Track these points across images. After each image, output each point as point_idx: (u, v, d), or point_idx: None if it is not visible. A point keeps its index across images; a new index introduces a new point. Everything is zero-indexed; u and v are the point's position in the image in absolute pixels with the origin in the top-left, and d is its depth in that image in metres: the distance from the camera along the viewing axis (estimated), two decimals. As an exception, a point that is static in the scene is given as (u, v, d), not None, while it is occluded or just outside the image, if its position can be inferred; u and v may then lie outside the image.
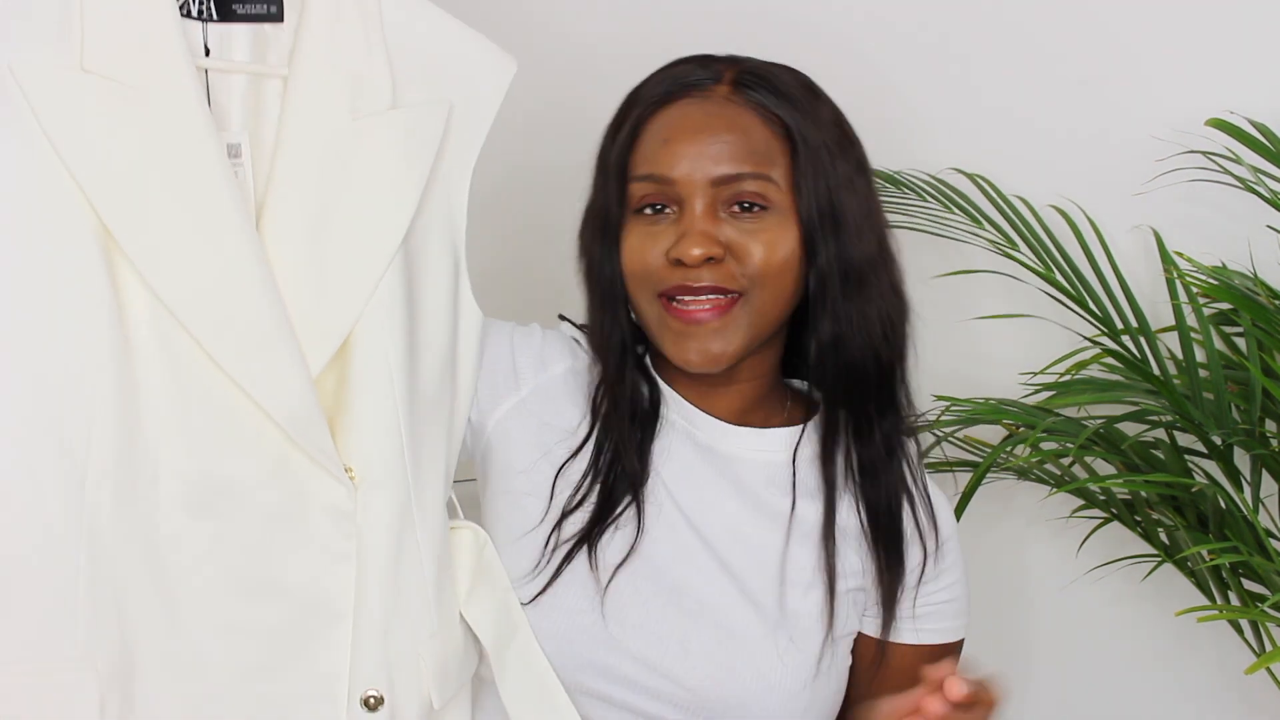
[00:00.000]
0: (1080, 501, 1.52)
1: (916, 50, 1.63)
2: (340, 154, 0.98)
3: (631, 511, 1.07)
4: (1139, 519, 1.47)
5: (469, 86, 1.06)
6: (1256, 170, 1.43)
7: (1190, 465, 1.45)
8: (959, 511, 1.27)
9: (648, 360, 1.13)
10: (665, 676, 1.03)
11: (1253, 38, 1.52)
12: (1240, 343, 1.47)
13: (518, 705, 1.06)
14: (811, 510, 1.08)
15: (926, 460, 1.18)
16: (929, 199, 1.54)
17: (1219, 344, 1.46)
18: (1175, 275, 1.43)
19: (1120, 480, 1.39)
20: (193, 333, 0.91)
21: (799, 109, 1.04)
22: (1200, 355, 1.41)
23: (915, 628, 1.11)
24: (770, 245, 1.02)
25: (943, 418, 1.48)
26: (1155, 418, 1.42)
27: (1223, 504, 1.34)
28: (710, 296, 1.02)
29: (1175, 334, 1.42)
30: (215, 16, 0.99)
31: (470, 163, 1.07)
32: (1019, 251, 1.51)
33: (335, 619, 0.97)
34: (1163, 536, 1.47)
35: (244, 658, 0.95)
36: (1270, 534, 1.33)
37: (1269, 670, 1.42)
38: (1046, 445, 1.41)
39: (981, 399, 1.50)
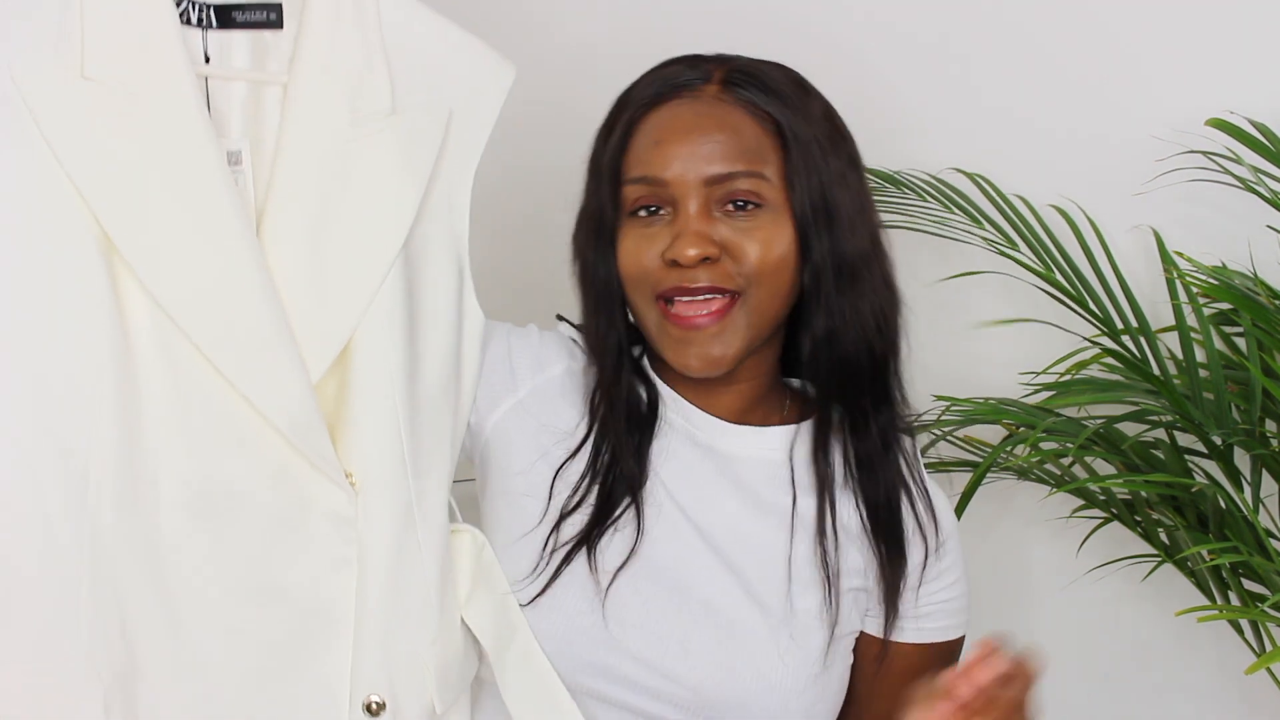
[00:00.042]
0: (1080, 501, 1.52)
1: (916, 50, 1.63)
2: (340, 160, 0.98)
3: (631, 513, 1.07)
4: (1139, 519, 1.47)
5: (469, 92, 1.07)
6: (1256, 170, 1.43)
7: (1190, 465, 1.45)
8: (959, 511, 1.27)
9: (646, 361, 1.13)
10: (665, 676, 1.03)
11: (1253, 38, 1.52)
12: (1240, 343, 1.47)
13: (520, 706, 1.06)
14: (812, 507, 1.08)
15: (926, 460, 1.18)
16: (929, 199, 1.54)
17: (1219, 344, 1.46)
18: (1175, 275, 1.43)
19: (1120, 480, 1.39)
20: (193, 339, 0.91)
21: (789, 105, 1.04)
22: (1200, 355, 1.41)
23: (918, 626, 1.10)
24: (766, 243, 1.02)
25: (943, 418, 1.48)
26: (1155, 418, 1.42)
27: (1223, 504, 1.34)
28: (707, 297, 1.02)
29: (1175, 334, 1.42)
30: (215, 24, 0.99)
31: (471, 168, 1.07)
32: (1019, 251, 1.51)
33: (336, 624, 0.97)
34: (1163, 536, 1.47)
35: (246, 663, 0.95)
36: (1270, 534, 1.33)
37: (1269, 670, 1.42)
38: (1046, 445, 1.41)
39: (981, 399, 1.50)
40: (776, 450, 1.10)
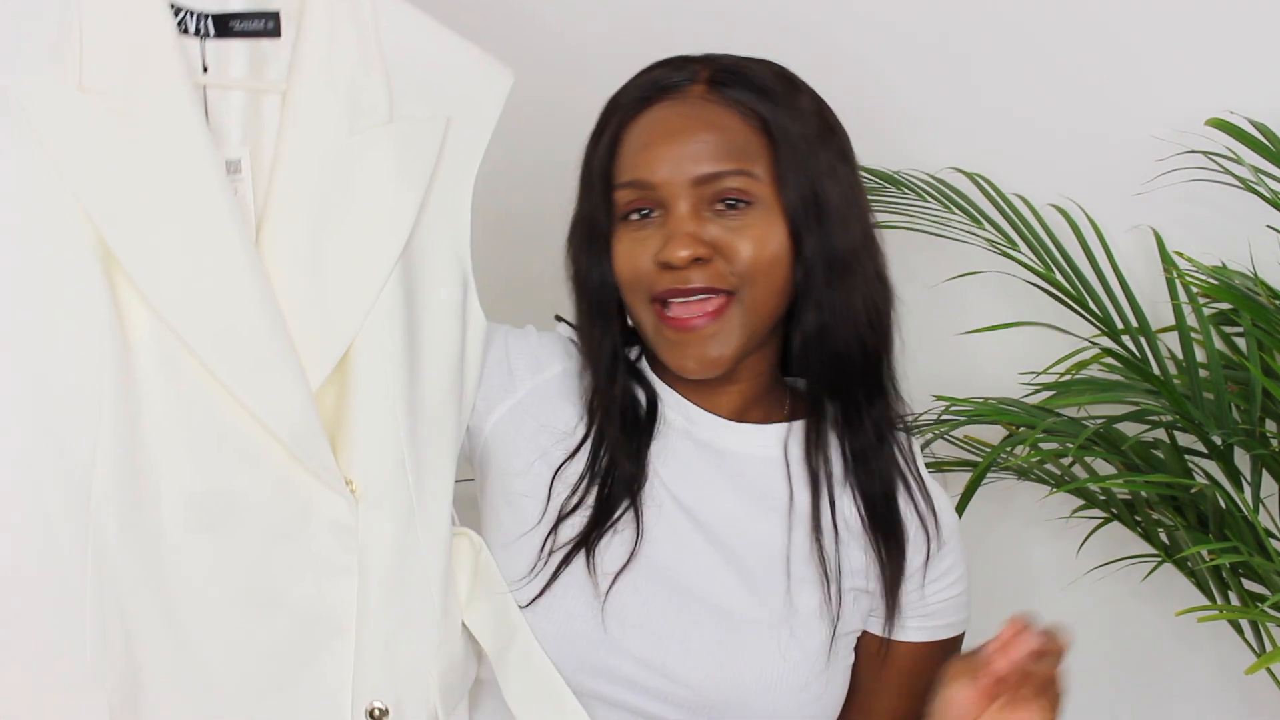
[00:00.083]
0: (1080, 501, 1.52)
1: (916, 50, 1.63)
2: (338, 168, 0.98)
3: (630, 516, 1.07)
4: (1139, 519, 1.47)
5: (467, 99, 1.07)
6: (1257, 170, 1.43)
7: (1190, 465, 1.45)
8: (959, 511, 1.27)
9: (645, 362, 1.13)
10: (666, 676, 1.03)
11: (1253, 38, 1.52)
12: (1240, 343, 1.47)
13: (523, 706, 1.06)
14: (808, 503, 1.08)
15: (926, 461, 1.18)
16: (928, 199, 1.54)
17: (1219, 344, 1.46)
18: (1175, 275, 1.43)
19: (1120, 480, 1.39)
20: (193, 349, 0.91)
21: (776, 101, 1.04)
22: (1200, 355, 1.41)
23: (921, 625, 1.11)
24: (758, 241, 1.02)
25: (943, 418, 1.48)
26: (1155, 418, 1.42)
27: (1223, 504, 1.34)
28: (702, 298, 1.02)
29: (1175, 334, 1.42)
30: (213, 33, 0.99)
31: (471, 174, 1.07)
32: (1019, 251, 1.51)
33: (338, 632, 0.98)
34: (1163, 536, 1.47)
35: (248, 671, 0.95)
36: (1270, 534, 1.33)
37: (1269, 670, 1.42)
38: (1046, 445, 1.41)
39: (981, 399, 1.50)
40: (774, 447, 1.10)
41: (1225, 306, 1.47)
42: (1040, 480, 1.51)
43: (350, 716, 0.98)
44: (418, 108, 1.03)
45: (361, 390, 0.98)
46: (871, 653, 1.11)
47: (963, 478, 1.45)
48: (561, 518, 1.07)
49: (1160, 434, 1.45)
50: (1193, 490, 1.37)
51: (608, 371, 1.10)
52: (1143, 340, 1.46)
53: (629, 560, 1.05)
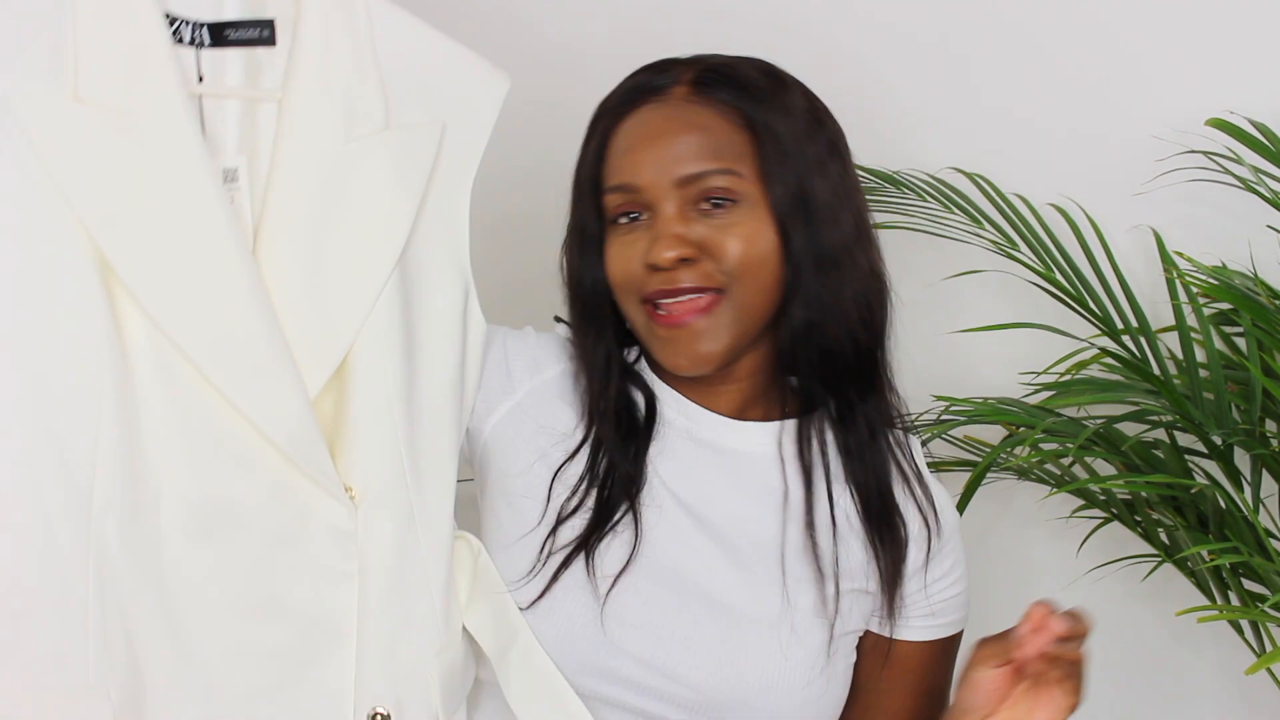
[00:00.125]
0: (1080, 502, 1.52)
1: (916, 50, 1.63)
2: (334, 176, 0.98)
3: (629, 519, 1.07)
4: (1139, 519, 1.47)
5: (463, 104, 1.07)
6: (1257, 170, 1.43)
7: (1190, 465, 1.45)
8: (958, 511, 1.27)
9: (643, 363, 1.13)
10: (668, 677, 1.03)
11: (1253, 38, 1.52)
12: (1240, 343, 1.47)
13: (525, 707, 1.06)
14: (802, 500, 1.08)
15: (926, 461, 1.18)
16: (929, 199, 1.54)
17: (1219, 344, 1.46)
18: (1175, 275, 1.43)
19: (1120, 481, 1.39)
20: (190, 358, 0.92)
21: (760, 99, 1.04)
22: (1200, 355, 1.41)
23: (924, 625, 1.11)
24: (746, 239, 1.02)
25: (943, 418, 1.48)
26: (1155, 418, 1.41)
27: (1223, 504, 1.34)
28: (690, 297, 1.02)
29: (1175, 334, 1.42)
30: (208, 42, 0.99)
31: (468, 179, 1.07)
32: (1019, 251, 1.51)
33: (339, 637, 0.98)
34: (1163, 537, 1.47)
35: (250, 677, 0.96)
36: (1270, 534, 1.33)
37: (1269, 670, 1.42)
38: (1046, 445, 1.41)
39: (981, 399, 1.50)
40: (771, 444, 1.10)
41: (1225, 306, 1.47)
42: (1040, 480, 1.51)
43: None
44: (414, 114, 1.03)
45: (360, 396, 0.99)
46: (874, 652, 1.11)
47: (963, 478, 1.45)
48: (561, 520, 1.07)
49: (1160, 434, 1.45)
50: (1193, 490, 1.37)
51: (602, 375, 1.10)
52: (1143, 340, 1.46)
53: (629, 562, 1.05)
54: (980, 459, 1.50)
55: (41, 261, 0.89)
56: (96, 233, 0.89)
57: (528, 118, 1.42)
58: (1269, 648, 1.45)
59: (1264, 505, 1.44)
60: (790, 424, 1.10)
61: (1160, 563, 1.46)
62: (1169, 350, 1.48)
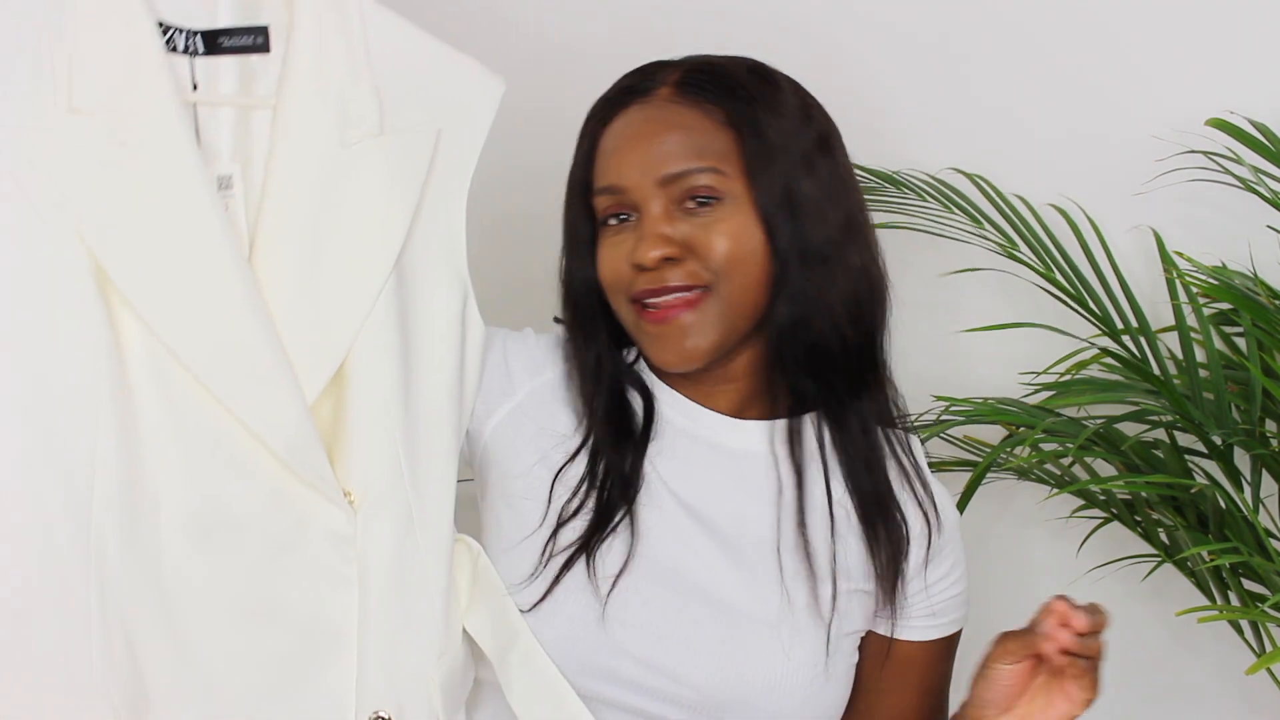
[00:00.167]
0: (1080, 501, 1.52)
1: (916, 50, 1.63)
2: (330, 182, 0.98)
3: (629, 520, 1.07)
4: (1139, 519, 1.47)
5: (458, 108, 1.07)
6: (1257, 170, 1.43)
7: (1190, 465, 1.45)
8: (958, 511, 1.27)
9: (642, 363, 1.13)
10: (670, 677, 1.03)
11: (1253, 38, 1.52)
12: (1240, 343, 1.47)
13: (527, 709, 1.06)
14: (796, 499, 1.08)
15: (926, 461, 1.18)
16: (929, 199, 1.54)
17: (1219, 344, 1.46)
18: (1175, 275, 1.43)
19: (1121, 482, 1.39)
20: (188, 366, 0.92)
21: (745, 97, 1.04)
22: (1200, 355, 1.41)
23: (926, 624, 1.11)
24: (731, 236, 1.02)
25: (943, 418, 1.48)
26: (1155, 418, 1.41)
27: (1223, 504, 1.34)
28: (677, 295, 1.02)
29: (1175, 334, 1.42)
30: (202, 50, 0.99)
31: (464, 184, 1.07)
32: (1019, 251, 1.51)
33: (339, 642, 0.98)
34: (1163, 537, 1.47)
35: (251, 682, 0.96)
36: (1270, 534, 1.33)
37: (1269, 670, 1.42)
38: (1046, 445, 1.41)
39: (981, 399, 1.50)
40: (767, 442, 1.10)
41: (1225, 306, 1.47)
42: (1040, 480, 1.51)
43: None
44: (409, 118, 1.03)
45: (358, 401, 0.99)
46: (874, 651, 1.11)
47: (963, 478, 1.45)
48: (562, 522, 1.07)
49: (1160, 434, 1.45)
50: (1193, 490, 1.37)
51: (593, 377, 1.10)
52: (1143, 340, 1.46)
53: (628, 563, 1.05)
54: (980, 459, 1.50)
55: (38, 269, 0.89)
56: (92, 241, 0.89)
57: (528, 118, 1.42)
58: (1269, 648, 1.45)
59: (1264, 505, 1.44)
60: (782, 423, 1.10)
61: (1160, 563, 1.46)
62: (1169, 350, 1.48)
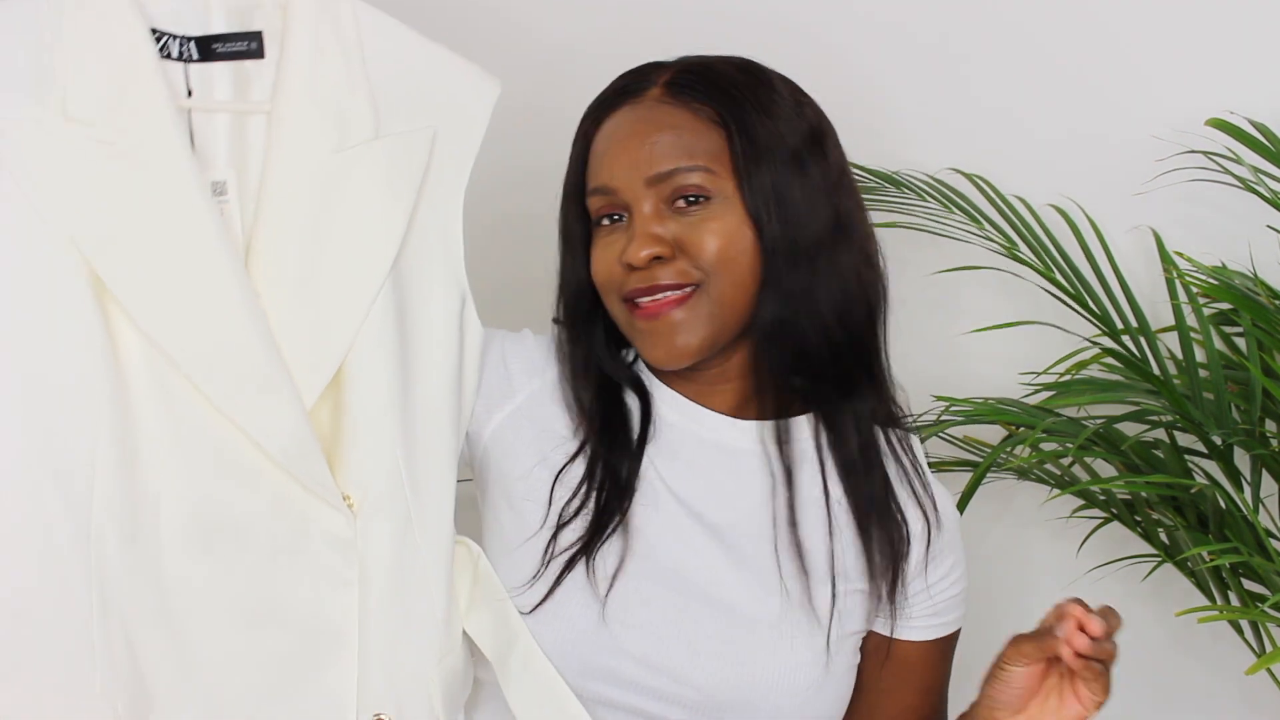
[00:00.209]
0: (1080, 501, 1.52)
1: (916, 50, 1.63)
2: (325, 187, 0.98)
3: (629, 520, 1.07)
4: (1139, 519, 1.47)
5: (454, 111, 1.07)
6: (1256, 170, 1.43)
7: (1190, 465, 1.45)
8: (959, 510, 1.27)
9: (641, 364, 1.13)
10: (671, 678, 1.03)
11: (1253, 38, 1.52)
12: (1240, 343, 1.47)
13: (527, 711, 1.06)
14: (808, 497, 1.08)
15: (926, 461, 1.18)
16: (929, 199, 1.54)
17: (1219, 344, 1.46)
18: (1175, 275, 1.43)
19: (1121, 482, 1.39)
20: (185, 372, 0.92)
21: (735, 96, 1.04)
22: (1200, 355, 1.41)
23: (928, 624, 1.11)
24: (720, 234, 1.02)
25: (942, 418, 1.48)
26: (1155, 418, 1.41)
27: (1223, 504, 1.34)
28: (667, 294, 1.03)
29: (1175, 334, 1.42)
30: (196, 56, 0.98)
31: (460, 186, 1.07)
32: (1019, 251, 1.51)
33: (340, 645, 0.98)
34: (1163, 537, 1.47)
35: (252, 685, 0.96)
36: (1270, 534, 1.33)
37: (1269, 670, 1.42)
38: (1046, 445, 1.41)
39: (981, 399, 1.50)
40: (757, 442, 1.10)
41: (1225, 306, 1.47)
42: (1040, 480, 1.51)
43: None
44: (404, 122, 1.03)
45: (356, 406, 0.99)
46: (875, 651, 1.11)
47: (963, 478, 1.45)
48: (562, 524, 1.07)
49: (1160, 434, 1.45)
50: (1193, 490, 1.37)
51: (583, 377, 1.11)
52: (1143, 340, 1.46)
53: (628, 564, 1.05)
54: (980, 459, 1.50)
55: (38, 269, 0.89)
56: (88, 249, 0.90)
57: (527, 119, 1.42)
58: (1269, 648, 1.45)
59: (1264, 505, 1.44)
60: (771, 423, 1.10)
61: (1160, 563, 1.46)
62: (1169, 350, 1.48)
